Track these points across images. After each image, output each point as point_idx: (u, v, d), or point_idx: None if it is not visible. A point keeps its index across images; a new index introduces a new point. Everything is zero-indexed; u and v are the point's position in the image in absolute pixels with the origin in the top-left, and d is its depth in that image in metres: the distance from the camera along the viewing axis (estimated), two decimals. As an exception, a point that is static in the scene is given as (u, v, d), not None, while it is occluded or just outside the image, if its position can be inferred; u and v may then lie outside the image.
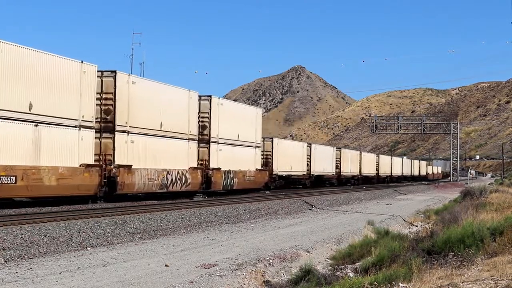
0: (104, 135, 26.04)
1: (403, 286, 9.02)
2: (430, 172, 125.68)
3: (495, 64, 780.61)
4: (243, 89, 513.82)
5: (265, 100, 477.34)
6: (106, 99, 26.12)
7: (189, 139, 31.51)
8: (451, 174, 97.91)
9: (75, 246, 14.88)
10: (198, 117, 32.98)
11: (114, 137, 26.04)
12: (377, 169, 79.78)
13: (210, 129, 33.84)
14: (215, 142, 34.30)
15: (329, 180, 60.87)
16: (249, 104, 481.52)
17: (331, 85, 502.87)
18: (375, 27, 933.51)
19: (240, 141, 37.51)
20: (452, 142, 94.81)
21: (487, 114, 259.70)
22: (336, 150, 64.19)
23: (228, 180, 35.49)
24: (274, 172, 46.09)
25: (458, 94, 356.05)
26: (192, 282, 10.98)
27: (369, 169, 74.84)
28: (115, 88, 26.07)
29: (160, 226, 19.08)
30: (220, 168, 34.52)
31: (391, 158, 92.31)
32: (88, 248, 14.88)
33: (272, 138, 48.38)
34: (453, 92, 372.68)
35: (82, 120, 23.98)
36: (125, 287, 10.46)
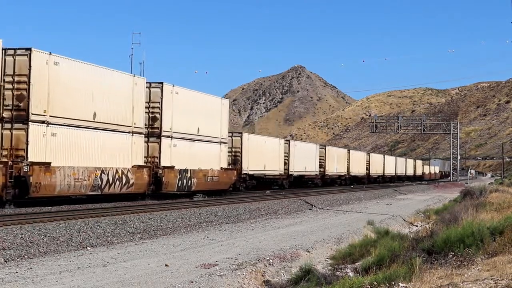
0: (16, 126, 21.42)
1: (403, 286, 9.02)
2: (427, 172, 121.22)
3: (495, 64, 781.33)
4: (243, 89, 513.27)
5: (265, 100, 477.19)
6: (19, 82, 21.56)
7: (133, 132, 27.12)
8: (451, 174, 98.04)
9: (75, 245, 14.89)
10: (147, 108, 28.77)
11: (27, 128, 21.38)
12: (368, 169, 75.17)
13: (161, 122, 29.24)
14: (168, 136, 29.71)
15: (311, 181, 56.27)
16: (249, 104, 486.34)
17: (331, 84, 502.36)
18: (375, 27, 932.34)
19: (201, 136, 32.64)
20: (452, 142, 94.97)
21: (487, 114, 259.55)
22: (320, 148, 59.15)
23: (185, 181, 30.66)
24: (244, 172, 41.00)
25: (458, 94, 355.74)
26: (192, 282, 10.98)
27: (358, 169, 70.22)
28: (29, 69, 21.58)
29: (160, 226, 19.09)
30: (174, 167, 29.77)
31: (384, 157, 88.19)
32: (88, 248, 14.89)
33: (241, 133, 43.06)
34: (453, 92, 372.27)
35: None
36: (125, 287, 10.46)
